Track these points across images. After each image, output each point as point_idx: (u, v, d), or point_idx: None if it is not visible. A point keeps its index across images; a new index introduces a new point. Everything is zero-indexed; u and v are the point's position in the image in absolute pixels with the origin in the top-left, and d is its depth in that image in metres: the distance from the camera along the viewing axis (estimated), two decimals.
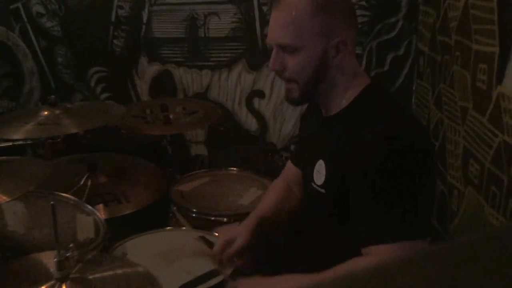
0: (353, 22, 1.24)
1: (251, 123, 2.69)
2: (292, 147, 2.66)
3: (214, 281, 1.32)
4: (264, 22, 2.50)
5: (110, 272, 1.15)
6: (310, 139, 1.42)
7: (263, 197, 1.61)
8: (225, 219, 1.73)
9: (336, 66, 1.21)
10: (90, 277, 1.12)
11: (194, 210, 1.78)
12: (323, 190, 1.25)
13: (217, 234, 1.55)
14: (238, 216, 1.74)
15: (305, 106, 1.49)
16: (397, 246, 1.09)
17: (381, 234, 1.12)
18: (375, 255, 1.11)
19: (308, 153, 1.37)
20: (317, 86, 1.23)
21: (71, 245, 1.14)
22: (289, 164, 1.61)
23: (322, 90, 1.25)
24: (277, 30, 1.21)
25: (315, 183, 1.27)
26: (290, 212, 1.51)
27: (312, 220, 1.40)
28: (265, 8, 2.48)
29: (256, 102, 2.65)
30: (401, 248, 1.09)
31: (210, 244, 1.49)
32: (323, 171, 1.25)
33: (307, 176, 1.33)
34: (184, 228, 1.63)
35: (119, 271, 1.15)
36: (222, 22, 2.53)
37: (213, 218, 1.75)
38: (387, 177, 1.12)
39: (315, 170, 1.28)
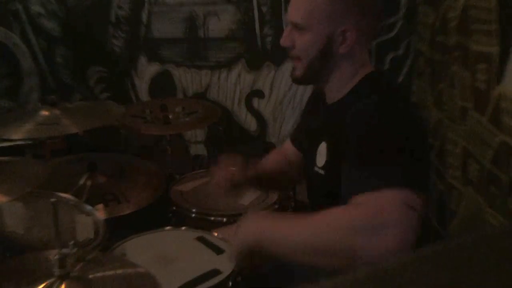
0: (370, 12, 1.24)
1: (251, 123, 2.69)
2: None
3: (213, 281, 1.32)
4: (264, 22, 2.50)
5: (111, 272, 1.14)
6: (313, 124, 1.45)
7: (262, 160, 1.68)
8: (224, 219, 1.73)
9: (343, 54, 1.24)
10: (90, 276, 1.11)
11: (194, 210, 1.78)
12: (322, 172, 1.27)
13: (216, 234, 1.56)
14: (238, 216, 1.74)
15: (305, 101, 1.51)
16: (382, 194, 1.03)
17: (363, 183, 1.07)
18: (360, 204, 1.05)
19: (310, 137, 1.40)
20: (321, 69, 1.27)
21: (71, 243, 1.14)
22: (287, 143, 1.66)
23: (326, 75, 1.29)
24: (293, 8, 1.27)
25: (316, 166, 1.29)
26: (287, 180, 1.62)
27: (315, 204, 1.42)
28: (264, 8, 2.48)
29: (255, 102, 2.65)
30: (387, 196, 1.02)
31: (209, 244, 1.50)
32: (324, 153, 1.27)
33: (309, 160, 1.35)
34: (183, 228, 1.62)
35: (119, 271, 1.15)
36: (221, 23, 2.53)
37: (212, 218, 1.75)
38: (371, 136, 1.12)
39: (317, 153, 1.30)
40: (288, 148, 1.65)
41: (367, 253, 0.98)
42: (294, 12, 1.26)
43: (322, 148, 1.29)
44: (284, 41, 1.29)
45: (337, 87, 1.29)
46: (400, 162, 1.10)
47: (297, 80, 1.34)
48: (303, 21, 1.23)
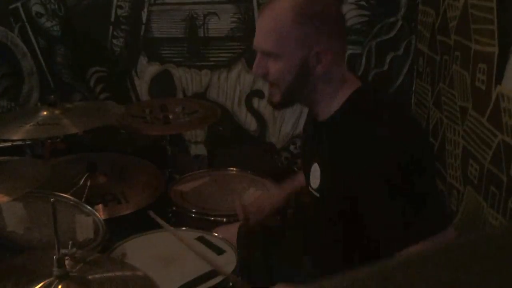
0: (339, 31, 1.22)
1: (251, 123, 2.69)
2: (292, 147, 2.67)
3: (213, 281, 1.32)
4: None
5: (110, 274, 1.14)
6: (307, 142, 1.42)
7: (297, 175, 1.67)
8: (224, 219, 1.73)
9: (319, 75, 1.19)
10: (90, 277, 1.11)
11: (194, 210, 1.78)
12: (317, 194, 1.25)
13: (216, 234, 1.56)
14: (237, 216, 1.74)
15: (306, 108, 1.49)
16: (429, 242, 1.07)
17: (409, 237, 1.08)
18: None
19: (306, 156, 1.37)
20: (299, 93, 1.23)
21: (70, 242, 1.14)
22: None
23: (306, 97, 1.25)
24: (260, 36, 1.21)
25: (311, 187, 1.27)
26: None
27: (312, 224, 1.40)
28: None
29: (255, 102, 2.65)
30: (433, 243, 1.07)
31: (209, 244, 1.50)
32: (318, 175, 1.25)
33: (306, 179, 1.33)
34: (183, 228, 1.63)
35: (118, 274, 1.15)
36: (221, 22, 2.53)
37: (212, 218, 1.75)
38: (394, 181, 1.10)
39: (311, 174, 1.28)
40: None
41: None
42: (262, 41, 1.20)
43: (315, 169, 1.26)
44: (256, 69, 1.23)
45: (321, 107, 1.25)
46: (435, 204, 1.14)
47: (276, 106, 1.29)
48: (274, 49, 1.18)
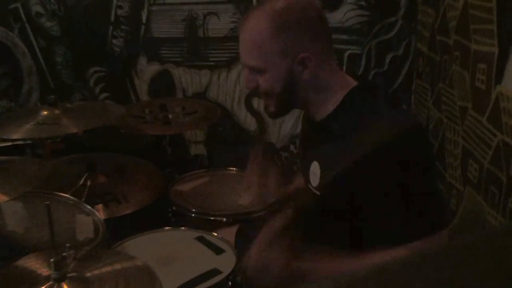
0: (322, 33, 1.22)
1: (250, 123, 2.69)
2: (292, 147, 2.67)
3: (214, 280, 1.33)
4: None
5: (108, 268, 1.14)
6: (306, 140, 1.43)
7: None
8: (224, 219, 1.74)
9: (307, 80, 1.21)
10: (88, 274, 1.11)
11: (193, 210, 1.78)
12: (318, 192, 1.26)
13: (216, 234, 1.56)
14: (237, 216, 1.75)
15: None
16: (421, 243, 1.08)
17: (403, 236, 1.10)
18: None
19: (305, 155, 1.38)
20: (292, 99, 1.26)
21: (67, 245, 1.14)
22: None
23: (300, 101, 1.27)
24: (243, 53, 1.24)
25: (311, 185, 1.28)
26: None
27: (311, 222, 1.41)
28: None
29: (255, 102, 2.65)
30: (425, 244, 1.08)
31: (209, 244, 1.50)
32: (318, 173, 1.25)
33: (305, 177, 1.34)
34: (183, 228, 1.63)
35: (117, 267, 1.15)
36: (221, 22, 2.53)
37: (212, 218, 1.75)
38: (391, 180, 1.11)
39: (310, 172, 1.28)
40: None
41: None
42: (246, 57, 1.24)
43: (315, 167, 1.26)
44: (247, 84, 1.27)
45: (316, 108, 1.26)
46: (432, 206, 1.14)
47: (274, 115, 1.32)
48: (258, 63, 1.21)
